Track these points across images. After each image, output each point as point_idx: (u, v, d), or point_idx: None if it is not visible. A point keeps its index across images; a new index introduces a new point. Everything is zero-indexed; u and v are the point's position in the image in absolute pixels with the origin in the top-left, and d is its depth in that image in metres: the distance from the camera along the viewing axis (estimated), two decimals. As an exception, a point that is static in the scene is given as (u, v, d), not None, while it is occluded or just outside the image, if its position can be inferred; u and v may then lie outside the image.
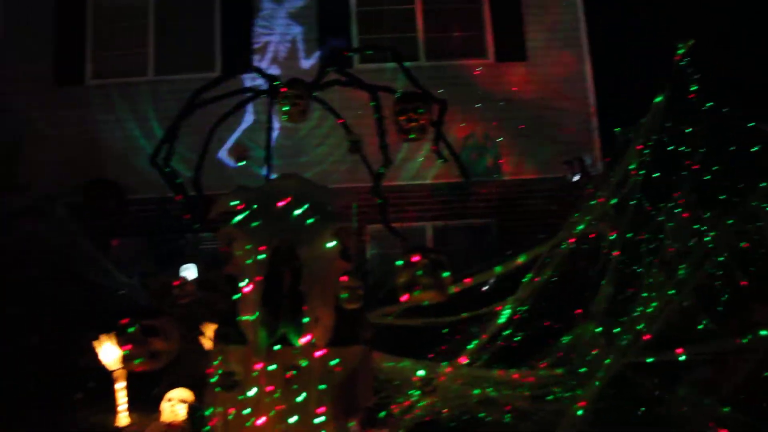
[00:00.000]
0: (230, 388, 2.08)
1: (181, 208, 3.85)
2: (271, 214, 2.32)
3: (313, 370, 2.16)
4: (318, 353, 2.11)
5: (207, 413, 2.25)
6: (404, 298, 1.94)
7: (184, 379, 6.71)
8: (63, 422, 6.14)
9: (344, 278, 2.13)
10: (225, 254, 2.31)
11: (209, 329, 6.27)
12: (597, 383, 4.03)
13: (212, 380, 2.25)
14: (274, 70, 10.58)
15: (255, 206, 2.38)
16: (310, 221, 2.28)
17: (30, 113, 11.28)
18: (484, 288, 5.08)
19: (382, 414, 1.96)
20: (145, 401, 6.66)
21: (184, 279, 2.46)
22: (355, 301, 2.10)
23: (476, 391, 3.98)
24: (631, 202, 5.36)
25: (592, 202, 5.61)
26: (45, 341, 8.05)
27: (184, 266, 7.22)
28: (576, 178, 9.22)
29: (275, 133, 9.05)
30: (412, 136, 2.38)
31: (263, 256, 2.18)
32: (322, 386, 2.17)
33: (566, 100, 10.60)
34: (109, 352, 6.36)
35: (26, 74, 11.35)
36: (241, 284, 2.24)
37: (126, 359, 1.92)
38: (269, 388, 2.17)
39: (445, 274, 1.94)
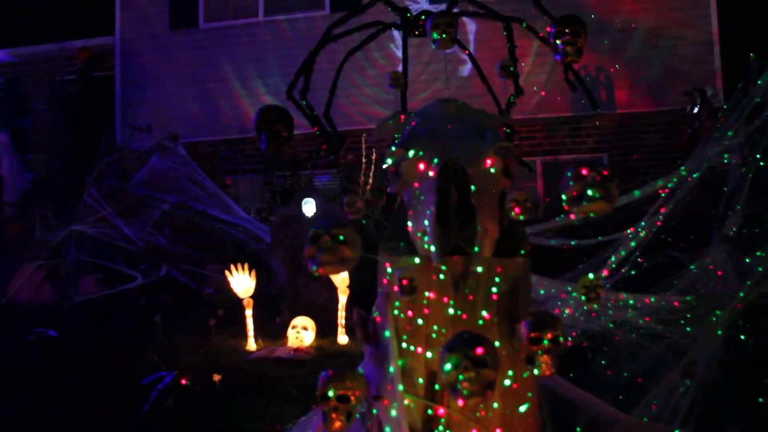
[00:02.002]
0: (409, 293, 2.27)
1: (322, 140, 4.01)
2: (434, 135, 2.45)
3: (481, 279, 2.33)
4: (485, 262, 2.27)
5: (379, 321, 2.45)
6: (574, 210, 2.05)
7: (304, 308, 7.15)
8: (200, 345, 6.63)
9: (517, 192, 2.26)
10: (392, 174, 2.48)
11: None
12: (728, 311, 4.03)
13: (386, 288, 2.44)
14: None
15: (416, 128, 2.52)
16: (473, 140, 2.41)
17: (149, 57, 11.90)
18: None
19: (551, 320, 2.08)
20: (270, 328, 7.18)
21: (353, 197, 2.66)
22: (524, 213, 2.23)
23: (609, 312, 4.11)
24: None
25: (722, 132, 5.43)
26: (178, 271, 8.67)
27: (305, 200, 7.53)
28: (696, 110, 8.82)
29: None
30: (569, 58, 2.44)
31: (431, 173, 2.34)
32: (489, 294, 2.34)
33: (686, 27, 10.07)
34: (240, 282, 6.86)
35: (144, 20, 11.91)
36: (411, 200, 2.41)
37: (319, 265, 2.13)
38: (440, 295, 2.35)
39: (613, 184, 2.04)
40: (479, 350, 1.97)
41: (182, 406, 4.22)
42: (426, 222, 2.25)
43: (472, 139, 2.38)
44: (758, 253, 4.39)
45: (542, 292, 4.35)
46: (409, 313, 2.37)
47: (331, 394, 2.18)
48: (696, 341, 3.89)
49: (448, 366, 2.00)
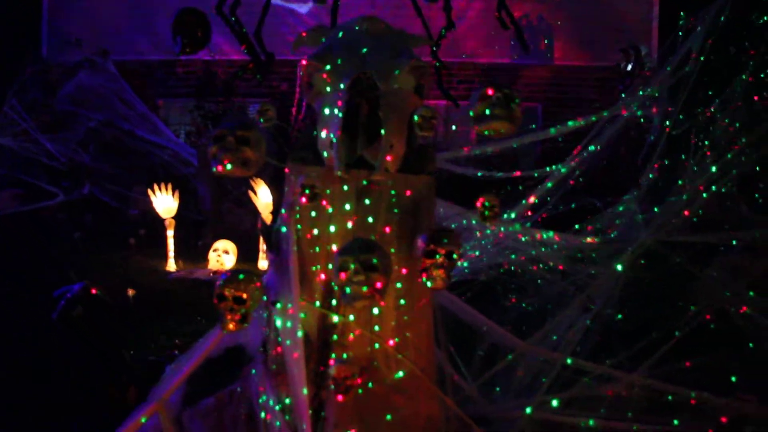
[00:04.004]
0: (310, 200, 2.30)
1: (248, 58, 3.95)
2: (350, 49, 2.44)
3: (384, 193, 2.37)
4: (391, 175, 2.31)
5: (282, 230, 2.47)
6: (478, 128, 2.10)
7: (228, 233, 7.14)
8: (119, 265, 6.56)
9: (423, 108, 2.28)
10: (305, 85, 2.47)
11: (257, 184, 6.57)
12: (629, 254, 4.22)
13: (290, 197, 2.46)
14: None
15: (333, 42, 2.51)
16: (387, 57, 2.41)
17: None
18: None
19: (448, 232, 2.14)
20: (193, 252, 7.16)
21: (265, 105, 2.61)
22: (428, 130, 2.26)
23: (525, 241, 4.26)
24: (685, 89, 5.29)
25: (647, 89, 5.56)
26: (101, 190, 8.48)
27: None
28: (629, 67, 8.98)
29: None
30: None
31: (342, 85, 2.34)
32: (391, 208, 2.38)
33: (627, -17, 10.21)
34: (162, 202, 6.78)
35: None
36: (321, 111, 2.41)
37: (220, 165, 2.12)
38: (342, 206, 2.39)
39: (517, 105, 2.10)
40: (370, 255, 2.02)
41: (92, 315, 4.18)
42: (333, 133, 2.26)
43: (387, 56, 2.38)
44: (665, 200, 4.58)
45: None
46: (311, 222, 2.40)
47: (227, 294, 2.20)
48: (596, 279, 4.09)
49: (340, 269, 2.05)
